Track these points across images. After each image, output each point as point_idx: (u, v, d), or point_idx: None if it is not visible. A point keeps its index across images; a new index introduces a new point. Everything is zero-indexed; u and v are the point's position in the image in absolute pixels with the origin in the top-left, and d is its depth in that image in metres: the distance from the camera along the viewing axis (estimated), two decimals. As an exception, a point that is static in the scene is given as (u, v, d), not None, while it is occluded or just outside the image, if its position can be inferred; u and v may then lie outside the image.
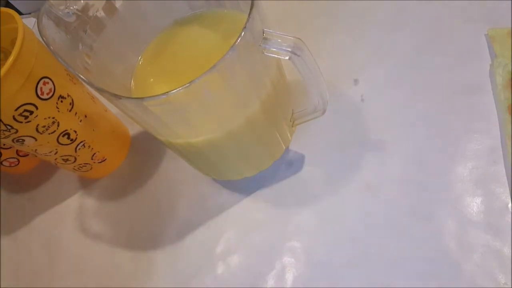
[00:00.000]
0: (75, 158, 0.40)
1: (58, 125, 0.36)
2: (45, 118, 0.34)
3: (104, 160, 0.43)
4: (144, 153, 0.46)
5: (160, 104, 0.25)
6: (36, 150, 0.37)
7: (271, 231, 0.37)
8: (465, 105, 0.37)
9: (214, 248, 0.38)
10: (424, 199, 0.35)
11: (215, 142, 0.31)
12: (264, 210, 0.38)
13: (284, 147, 0.38)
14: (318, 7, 0.48)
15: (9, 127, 0.33)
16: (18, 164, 0.46)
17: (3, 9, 0.34)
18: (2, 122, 0.32)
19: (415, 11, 0.43)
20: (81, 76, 0.26)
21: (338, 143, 0.39)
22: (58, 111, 0.35)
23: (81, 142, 0.39)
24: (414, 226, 0.34)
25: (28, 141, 0.35)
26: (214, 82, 0.25)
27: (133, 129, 0.47)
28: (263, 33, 0.26)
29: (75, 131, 0.38)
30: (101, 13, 0.31)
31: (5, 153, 0.44)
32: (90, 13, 0.30)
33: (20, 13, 0.46)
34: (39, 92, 0.33)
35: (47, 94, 0.34)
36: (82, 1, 0.29)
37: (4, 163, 0.45)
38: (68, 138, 0.37)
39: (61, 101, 0.35)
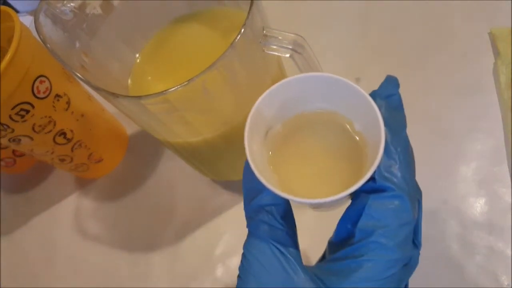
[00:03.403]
0: (72, 158, 0.40)
1: (54, 124, 0.35)
2: (41, 117, 0.34)
3: (101, 160, 0.43)
4: (142, 153, 0.45)
5: (157, 103, 0.24)
6: (32, 149, 0.37)
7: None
8: (468, 104, 0.37)
9: (213, 250, 0.37)
10: (427, 199, 0.34)
11: (215, 141, 0.30)
12: (264, 211, 0.37)
13: (284, 147, 0.38)
14: (319, 5, 0.47)
15: (5, 126, 0.32)
16: (14, 164, 0.46)
17: (1, 7, 0.34)
18: (-2, 121, 0.32)
19: (418, 10, 0.43)
20: (78, 75, 0.26)
21: (338, 143, 0.39)
22: (55, 110, 0.35)
23: (78, 141, 0.38)
24: (416, 227, 0.33)
25: (25, 140, 0.35)
26: (213, 80, 0.24)
27: (130, 129, 0.47)
28: (263, 30, 0.25)
29: (72, 131, 0.37)
30: (98, 11, 0.31)
31: (1, 153, 0.44)
32: (87, 11, 0.30)
33: (17, 11, 0.45)
34: (35, 91, 0.32)
35: (44, 93, 0.33)
36: (79, -1, 0.29)
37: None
38: (65, 137, 0.37)
39: (58, 100, 0.35)
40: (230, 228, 0.38)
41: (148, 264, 0.39)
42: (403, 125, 0.20)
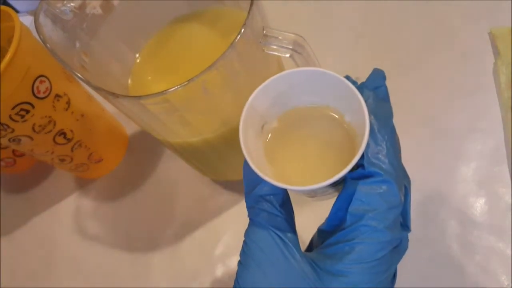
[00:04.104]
0: (72, 158, 0.40)
1: (54, 124, 0.35)
2: (41, 117, 0.34)
3: (101, 160, 0.43)
4: (142, 153, 0.45)
5: (157, 103, 0.24)
6: (32, 149, 0.37)
7: (271, 232, 0.36)
8: (468, 104, 0.37)
9: (213, 250, 0.37)
10: (427, 199, 0.34)
11: (215, 141, 0.30)
12: (264, 211, 0.37)
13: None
14: (319, 5, 0.47)
15: (5, 126, 0.32)
16: (14, 164, 0.46)
17: (1, 7, 0.34)
18: (-2, 121, 0.32)
19: (418, 10, 0.43)
20: (78, 75, 0.26)
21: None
22: (55, 110, 0.35)
23: (78, 141, 0.38)
24: (416, 227, 0.33)
25: (25, 140, 0.35)
26: (213, 80, 0.24)
27: (130, 129, 0.47)
28: (263, 30, 0.25)
29: (72, 131, 0.37)
30: (98, 11, 0.31)
31: (1, 153, 0.44)
32: (87, 11, 0.30)
33: (17, 11, 0.45)
34: (35, 91, 0.32)
35: (44, 93, 0.33)
36: (79, -1, 0.29)
37: None
38: (65, 137, 0.37)
39: (58, 100, 0.35)
40: (230, 228, 0.38)
41: (148, 264, 0.39)
42: (390, 115, 0.21)
